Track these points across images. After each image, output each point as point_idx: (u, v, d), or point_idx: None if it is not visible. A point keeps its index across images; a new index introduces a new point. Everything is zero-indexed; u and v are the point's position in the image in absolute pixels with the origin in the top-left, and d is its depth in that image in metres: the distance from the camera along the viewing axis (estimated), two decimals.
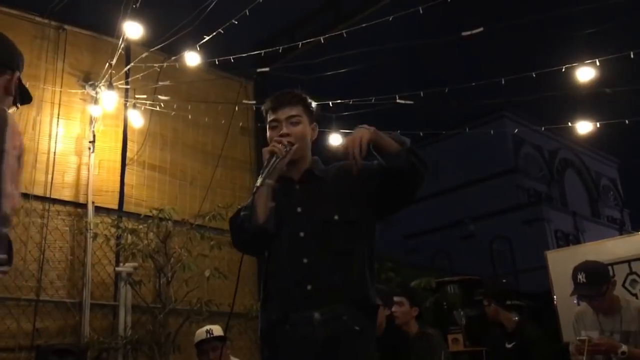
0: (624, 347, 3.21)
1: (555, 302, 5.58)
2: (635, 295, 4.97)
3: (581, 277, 3.49)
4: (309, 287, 2.02)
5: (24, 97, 1.88)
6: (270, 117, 2.25)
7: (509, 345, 4.14)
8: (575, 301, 4.40)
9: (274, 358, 2.11)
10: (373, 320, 2.09)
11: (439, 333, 4.37)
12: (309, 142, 2.28)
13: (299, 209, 2.15)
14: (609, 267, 4.32)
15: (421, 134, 7.09)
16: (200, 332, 4.05)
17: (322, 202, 2.14)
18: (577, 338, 3.42)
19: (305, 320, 1.99)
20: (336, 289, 2.02)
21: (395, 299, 4.07)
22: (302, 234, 2.10)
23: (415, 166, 2.04)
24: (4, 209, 1.51)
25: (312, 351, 1.96)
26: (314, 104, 2.34)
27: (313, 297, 2.01)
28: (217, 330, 4.06)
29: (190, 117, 6.54)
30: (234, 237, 2.25)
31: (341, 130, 6.46)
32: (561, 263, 5.44)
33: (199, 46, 5.55)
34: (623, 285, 5.04)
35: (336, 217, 2.09)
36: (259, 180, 2.07)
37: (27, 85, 6.03)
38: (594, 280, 3.45)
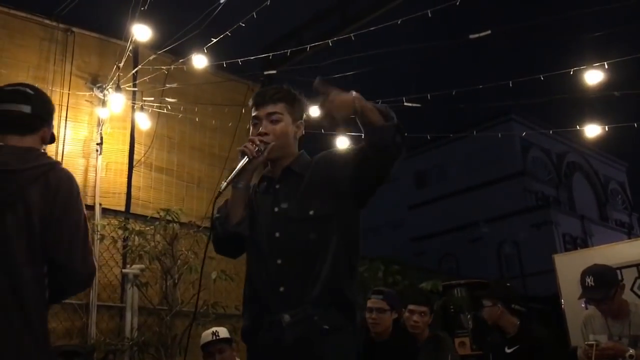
0: (632, 351, 3.18)
1: (562, 306, 5.56)
2: None
3: (589, 281, 3.46)
4: (281, 289, 1.96)
5: (50, 140, 2.17)
6: (252, 114, 2.21)
7: (508, 350, 4.01)
8: (583, 305, 4.37)
9: None
10: (350, 318, 1.97)
11: (448, 336, 4.34)
12: (292, 140, 2.20)
13: (276, 209, 2.09)
14: (618, 271, 4.29)
15: (429, 137, 7.08)
16: (207, 334, 4.05)
17: (299, 200, 2.06)
18: (585, 342, 3.40)
19: (275, 324, 1.93)
20: (308, 289, 1.93)
21: (418, 308, 4.02)
22: (277, 234, 2.04)
23: (398, 145, 1.90)
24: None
25: (282, 355, 1.91)
26: (302, 100, 2.26)
27: (285, 299, 1.95)
28: (223, 332, 4.05)
29: (197, 119, 6.56)
30: (212, 239, 2.22)
31: (348, 133, 6.45)
32: (569, 267, 5.41)
33: (206, 49, 5.57)
34: (631, 289, 5.02)
35: (311, 213, 2.01)
36: (223, 185, 2.05)
37: None
38: (603, 283, 3.43)
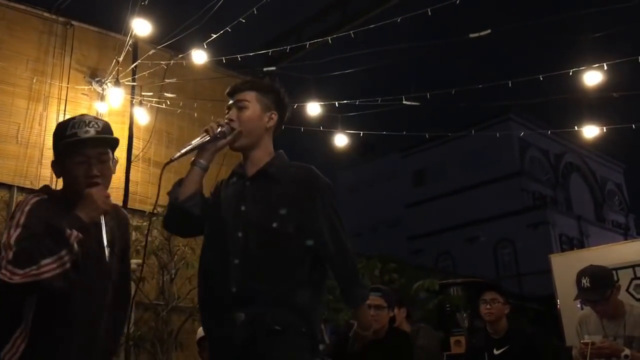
0: (628, 351, 3.19)
1: (558, 306, 5.57)
2: (639, 300, 4.95)
3: (585, 282, 3.47)
4: (234, 289, 1.92)
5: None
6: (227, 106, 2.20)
7: (497, 352, 3.93)
8: (578, 305, 4.38)
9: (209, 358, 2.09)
10: (303, 319, 1.94)
11: (407, 334, 4.24)
12: (261, 130, 2.13)
13: (242, 208, 2.04)
14: (613, 272, 4.29)
15: (427, 136, 7.08)
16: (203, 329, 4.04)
17: (268, 207, 2.01)
18: (581, 341, 3.40)
19: (229, 322, 1.91)
20: (264, 290, 1.91)
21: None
22: (240, 234, 1.99)
23: None
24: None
25: (233, 353, 1.91)
26: (278, 92, 2.21)
27: (241, 298, 1.91)
28: None
29: (196, 115, 6.54)
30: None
31: (347, 131, 6.46)
32: (565, 267, 5.42)
33: (206, 44, 5.56)
34: (627, 290, 5.02)
35: (274, 225, 1.98)
36: (176, 155, 2.05)
37: (33, 81, 5.98)
38: (598, 284, 3.43)
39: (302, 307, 1.94)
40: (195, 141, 2.06)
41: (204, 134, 2.05)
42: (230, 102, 2.16)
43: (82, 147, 1.94)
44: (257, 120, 2.12)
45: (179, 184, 2.14)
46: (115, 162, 2.09)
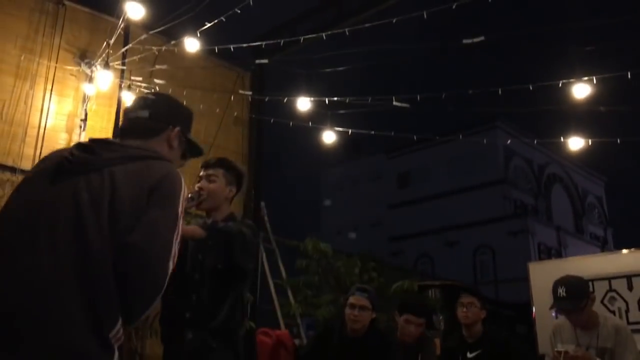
0: None
1: (534, 314, 5.63)
2: (613, 312, 5.03)
3: (561, 291, 3.50)
4: (187, 315, 2.62)
5: (193, 151, 2.10)
6: (199, 174, 2.87)
7: (470, 355, 3.99)
8: (553, 314, 4.43)
9: None
10: (230, 341, 2.66)
11: (432, 338, 4.37)
12: (223, 198, 2.82)
13: (200, 256, 2.69)
14: (590, 283, 4.34)
15: (415, 138, 7.11)
16: None
17: (217, 252, 2.64)
18: (554, 349, 3.44)
19: (180, 339, 2.60)
20: (206, 318, 2.61)
21: (417, 320, 4.04)
22: (196, 277, 2.67)
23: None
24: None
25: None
26: (240, 172, 2.89)
27: (190, 322, 2.61)
28: None
29: (184, 103, 6.48)
30: None
31: (336, 128, 6.46)
32: (543, 275, 5.48)
33: (199, 33, 5.52)
34: (602, 301, 5.10)
35: (219, 267, 2.64)
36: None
37: (22, 59, 5.88)
38: (574, 294, 3.47)
39: (229, 333, 2.66)
40: None
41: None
42: (201, 173, 2.84)
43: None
44: (221, 192, 2.81)
45: None
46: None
